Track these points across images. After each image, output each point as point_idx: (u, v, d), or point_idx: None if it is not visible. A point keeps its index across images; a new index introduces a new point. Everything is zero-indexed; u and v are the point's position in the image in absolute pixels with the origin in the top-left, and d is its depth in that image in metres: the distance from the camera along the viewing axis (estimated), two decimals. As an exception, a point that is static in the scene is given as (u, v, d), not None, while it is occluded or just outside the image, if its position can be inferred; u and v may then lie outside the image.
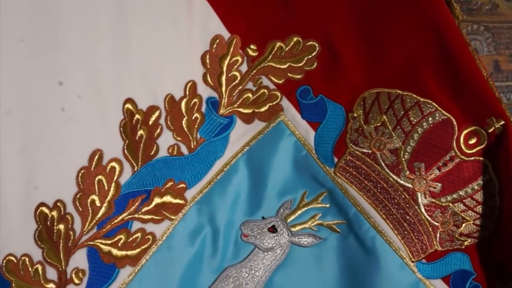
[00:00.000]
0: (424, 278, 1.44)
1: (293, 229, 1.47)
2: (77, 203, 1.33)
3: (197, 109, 1.42)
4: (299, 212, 1.47)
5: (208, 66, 1.43)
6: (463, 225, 1.42)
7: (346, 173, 1.45)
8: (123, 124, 1.35)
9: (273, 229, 1.46)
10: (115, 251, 1.37)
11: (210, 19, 1.42)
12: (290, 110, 1.47)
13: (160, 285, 1.42)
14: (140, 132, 1.37)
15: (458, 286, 1.45)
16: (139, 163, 1.38)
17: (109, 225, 1.36)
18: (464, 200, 1.40)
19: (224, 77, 1.44)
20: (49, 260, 1.32)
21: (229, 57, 1.44)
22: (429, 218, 1.41)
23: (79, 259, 1.34)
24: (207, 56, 1.42)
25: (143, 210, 1.39)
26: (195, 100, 1.42)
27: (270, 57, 1.45)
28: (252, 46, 1.44)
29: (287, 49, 1.45)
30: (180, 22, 1.39)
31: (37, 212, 1.30)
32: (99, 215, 1.35)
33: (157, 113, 1.38)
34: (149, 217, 1.39)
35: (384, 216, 1.44)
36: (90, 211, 1.34)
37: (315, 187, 1.47)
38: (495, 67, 1.91)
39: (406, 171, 1.41)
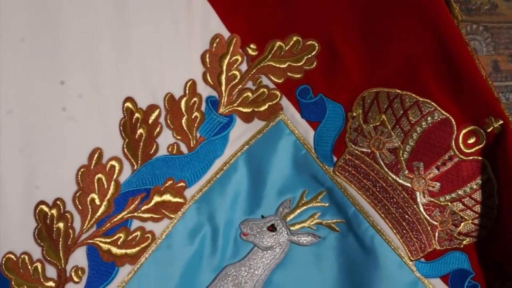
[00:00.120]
0: (422, 277, 1.45)
1: (292, 228, 1.47)
2: (76, 201, 1.33)
3: (196, 108, 1.42)
4: (298, 211, 1.47)
5: (208, 65, 1.43)
6: (462, 224, 1.42)
7: (345, 172, 1.45)
8: (123, 123, 1.36)
9: (272, 228, 1.46)
10: (114, 250, 1.37)
11: (210, 19, 1.42)
12: (290, 109, 1.47)
13: (160, 284, 1.42)
14: (140, 131, 1.37)
15: (457, 285, 1.45)
16: (139, 161, 1.38)
17: (109, 224, 1.36)
18: (462, 200, 1.41)
19: (223, 76, 1.44)
20: (49, 258, 1.32)
21: (228, 56, 1.44)
22: (428, 217, 1.42)
23: (79, 257, 1.35)
24: (207, 55, 1.43)
25: (142, 208, 1.39)
26: (195, 99, 1.42)
27: (270, 56, 1.45)
28: (251, 45, 1.45)
29: (286, 48, 1.45)
30: (180, 22, 1.39)
31: (37, 210, 1.31)
32: (98, 214, 1.35)
33: (157, 112, 1.39)
34: (149, 215, 1.39)
35: (383, 215, 1.44)
36: (90, 210, 1.34)
37: (314, 186, 1.48)
38: (494, 67, 1.91)
39: (405, 171, 1.41)
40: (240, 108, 1.46)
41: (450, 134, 1.39)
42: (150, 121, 1.38)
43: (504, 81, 1.92)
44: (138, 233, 1.39)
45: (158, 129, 1.39)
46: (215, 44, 1.43)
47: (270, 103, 1.47)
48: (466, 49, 1.37)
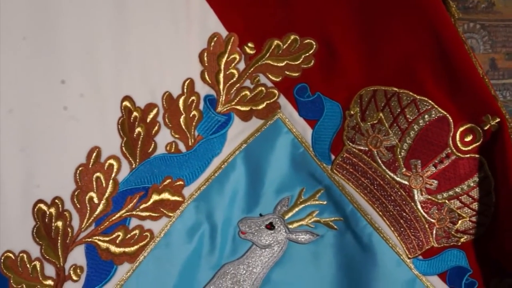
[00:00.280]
0: (420, 275, 1.45)
1: (290, 226, 1.47)
2: (75, 200, 1.33)
3: (195, 106, 1.42)
4: (296, 209, 1.48)
5: (206, 64, 1.43)
6: (459, 222, 1.42)
7: (343, 170, 1.46)
8: (121, 121, 1.36)
9: (270, 226, 1.47)
10: (113, 248, 1.37)
11: (208, 17, 1.42)
12: (288, 108, 1.47)
13: (158, 282, 1.42)
14: (138, 129, 1.37)
15: (455, 283, 1.46)
16: (137, 160, 1.38)
17: (107, 222, 1.36)
18: (460, 197, 1.41)
19: (221, 75, 1.44)
20: (47, 257, 1.33)
21: (226, 55, 1.44)
22: (426, 215, 1.42)
23: (77, 256, 1.35)
24: (205, 54, 1.43)
25: (141, 207, 1.39)
26: (193, 97, 1.42)
27: (268, 55, 1.45)
28: (249, 44, 1.45)
29: (284, 47, 1.45)
30: (180, 22, 1.39)
31: (35, 209, 1.31)
32: (97, 212, 1.35)
33: (155, 111, 1.39)
34: (147, 214, 1.40)
35: (380, 213, 1.44)
36: (88, 208, 1.34)
37: (312, 184, 1.48)
38: (491, 65, 1.91)
39: (402, 168, 1.41)
40: (238, 107, 1.46)
41: (447, 132, 1.39)
42: (148, 120, 1.38)
43: (501, 79, 1.92)
44: (137, 231, 1.39)
45: (156, 127, 1.39)
46: (213, 43, 1.43)
47: (268, 102, 1.47)
48: (463, 47, 1.37)
